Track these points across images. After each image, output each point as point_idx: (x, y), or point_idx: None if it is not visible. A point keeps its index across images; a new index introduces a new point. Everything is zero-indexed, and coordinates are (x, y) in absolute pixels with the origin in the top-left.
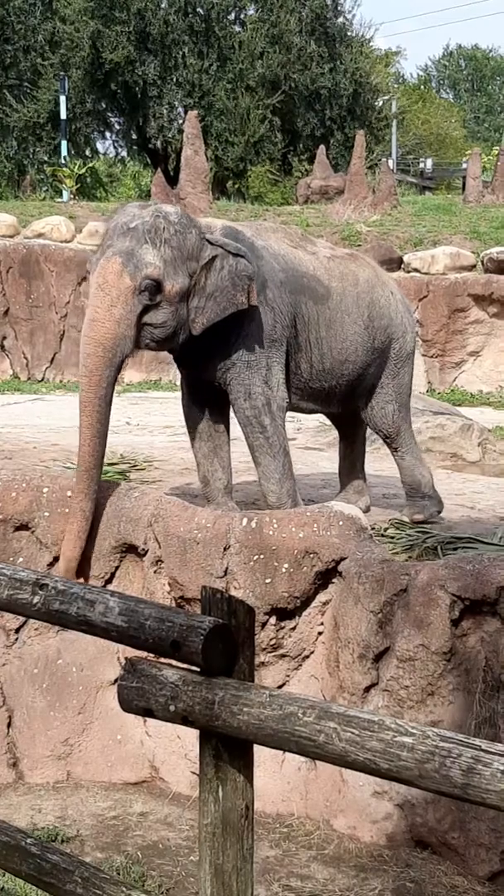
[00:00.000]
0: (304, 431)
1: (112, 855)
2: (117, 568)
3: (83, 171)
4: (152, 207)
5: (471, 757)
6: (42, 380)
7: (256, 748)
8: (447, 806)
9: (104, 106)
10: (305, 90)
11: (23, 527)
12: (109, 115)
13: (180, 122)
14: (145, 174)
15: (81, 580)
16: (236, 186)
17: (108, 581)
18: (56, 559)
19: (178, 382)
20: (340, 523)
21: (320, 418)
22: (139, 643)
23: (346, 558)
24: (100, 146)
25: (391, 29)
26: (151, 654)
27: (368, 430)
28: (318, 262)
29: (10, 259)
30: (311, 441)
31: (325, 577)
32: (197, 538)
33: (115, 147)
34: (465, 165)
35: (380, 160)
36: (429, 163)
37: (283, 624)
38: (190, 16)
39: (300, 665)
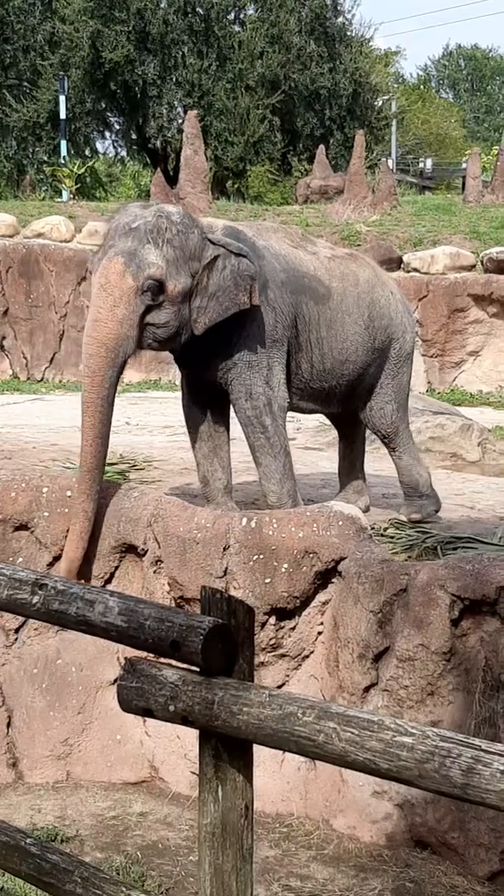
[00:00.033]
0: (303, 431)
1: (112, 855)
2: (117, 568)
3: (83, 170)
4: (154, 207)
5: (470, 757)
6: (41, 380)
7: (256, 748)
8: (447, 806)
9: (104, 106)
10: (305, 90)
11: (22, 527)
12: (109, 114)
13: (180, 121)
14: (145, 174)
15: (82, 581)
16: (236, 186)
17: (108, 581)
18: (56, 559)
19: (178, 382)
20: (340, 523)
21: (320, 418)
22: (139, 643)
23: (345, 558)
24: (99, 146)
25: (391, 29)
26: (151, 654)
27: (368, 430)
28: (318, 263)
29: (9, 259)
30: (311, 441)
31: (325, 576)
32: (196, 538)
33: (114, 147)
34: (464, 165)
35: (379, 160)
36: (428, 163)
37: (282, 624)
38: (189, 15)
39: (300, 665)
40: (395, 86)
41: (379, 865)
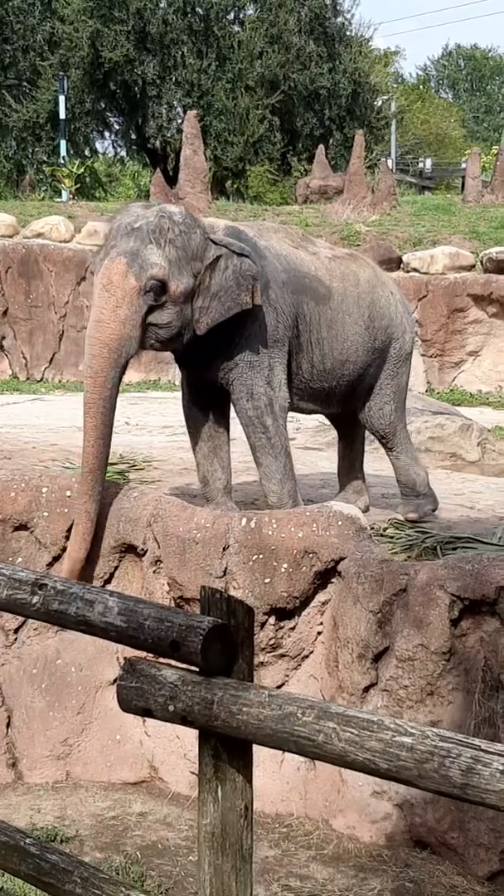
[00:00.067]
0: (302, 431)
1: (111, 855)
2: (116, 568)
3: (82, 170)
4: (156, 207)
5: (470, 757)
6: (41, 380)
7: (255, 748)
8: (446, 806)
9: (103, 106)
10: (304, 90)
11: (22, 527)
12: (108, 114)
13: (179, 121)
14: (144, 174)
15: (82, 581)
16: (235, 186)
17: (108, 581)
18: (55, 559)
19: (177, 382)
20: (339, 523)
21: (319, 418)
22: (138, 643)
23: (345, 558)
24: (99, 146)
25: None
26: (150, 654)
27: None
28: (319, 263)
29: (9, 259)
30: (310, 441)
31: (325, 576)
32: (196, 538)
33: (114, 147)
34: (464, 165)
35: (379, 160)
36: (428, 163)
37: (282, 624)
38: (189, 15)
39: (299, 665)
40: (395, 86)
41: (378, 865)
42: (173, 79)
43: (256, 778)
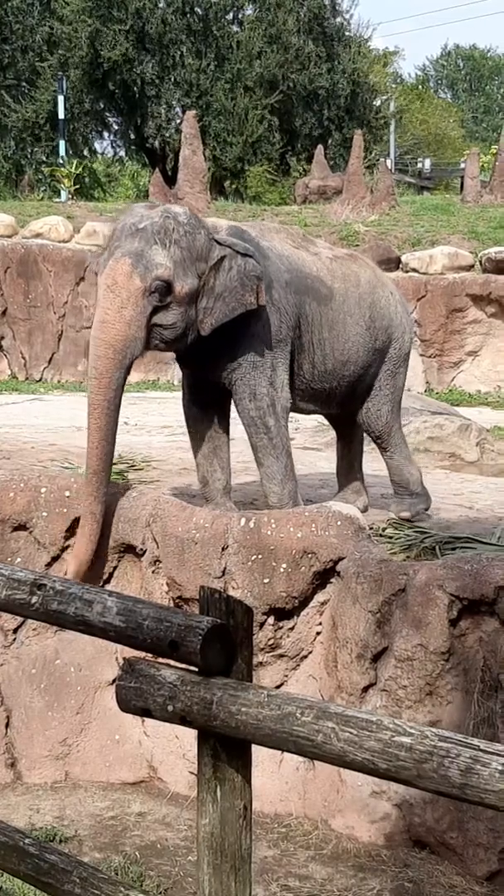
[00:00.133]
0: (302, 431)
1: (110, 855)
2: (115, 568)
3: (81, 171)
4: (161, 208)
5: (469, 757)
6: (40, 380)
7: (255, 748)
8: (445, 806)
9: (102, 106)
10: (303, 90)
11: (21, 527)
12: (107, 114)
13: (178, 121)
14: (143, 174)
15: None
16: (234, 186)
17: (107, 581)
18: (54, 559)
19: (176, 382)
20: (338, 523)
21: (318, 418)
22: (137, 643)
23: (344, 558)
24: (98, 146)
25: (389, 29)
26: (149, 654)
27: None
28: (321, 263)
29: (8, 259)
30: (310, 441)
31: (324, 576)
32: (195, 538)
33: (113, 147)
34: (463, 165)
35: (378, 160)
36: (427, 163)
37: (281, 624)
38: (188, 15)
39: (298, 665)
40: (394, 86)
41: (377, 865)
42: (172, 79)
43: (255, 778)
